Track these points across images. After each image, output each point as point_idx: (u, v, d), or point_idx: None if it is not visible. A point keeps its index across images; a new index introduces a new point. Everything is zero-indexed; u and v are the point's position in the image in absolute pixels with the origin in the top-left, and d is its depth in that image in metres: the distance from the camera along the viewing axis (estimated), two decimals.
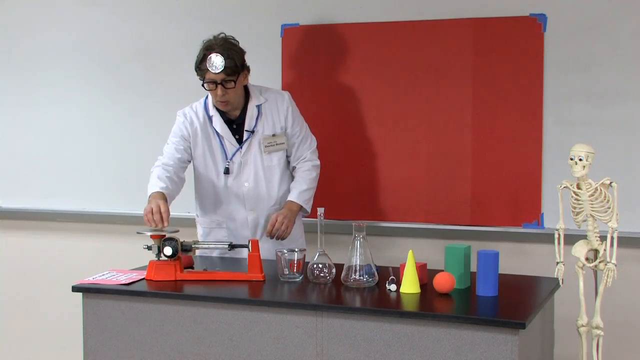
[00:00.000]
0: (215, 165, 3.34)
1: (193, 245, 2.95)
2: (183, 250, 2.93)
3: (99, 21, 4.15)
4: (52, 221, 4.34)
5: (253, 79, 3.86)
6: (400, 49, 3.66)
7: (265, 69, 3.85)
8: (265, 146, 3.32)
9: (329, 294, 2.76)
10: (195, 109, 3.37)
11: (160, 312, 2.78)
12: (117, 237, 4.19)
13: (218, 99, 3.20)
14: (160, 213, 2.99)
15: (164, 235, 2.91)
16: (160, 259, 2.93)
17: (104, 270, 3.12)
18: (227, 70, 3.14)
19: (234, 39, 3.25)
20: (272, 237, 3.21)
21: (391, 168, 3.66)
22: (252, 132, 3.31)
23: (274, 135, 3.33)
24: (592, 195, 2.59)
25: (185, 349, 2.75)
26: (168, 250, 2.90)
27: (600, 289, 2.64)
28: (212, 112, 3.33)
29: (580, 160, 2.56)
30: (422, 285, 2.72)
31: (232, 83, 3.18)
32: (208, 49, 3.16)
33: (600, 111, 3.40)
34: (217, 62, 3.12)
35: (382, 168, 3.62)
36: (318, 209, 3.05)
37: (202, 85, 3.24)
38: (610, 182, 2.58)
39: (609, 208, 2.59)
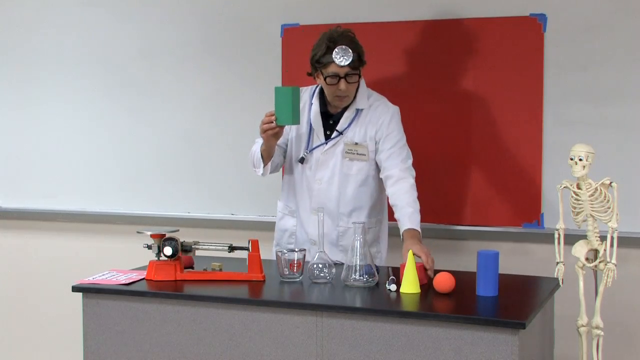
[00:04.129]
0: (297, 151, 3.28)
1: (193, 246, 2.95)
2: (183, 251, 2.93)
3: (99, 21, 4.15)
4: (52, 221, 4.34)
5: (253, 79, 3.88)
6: (400, 49, 3.66)
7: (265, 69, 3.86)
8: (346, 152, 3.21)
9: (329, 294, 2.76)
10: (303, 91, 3.31)
11: (160, 312, 2.78)
12: (117, 237, 4.19)
13: (340, 93, 3.13)
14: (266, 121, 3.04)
15: (164, 235, 2.91)
16: (160, 259, 2.93)
17: (104, 270, 3.12)
18: (353, 63, 3.07)
19: (351, 31, 3.16)
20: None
21: None
22: (341, 133, 3.22)
23: (356, 143, 3.21)
24: (592, 195, 2.59)
25: (185, 349, 2.75)
26: (168, 250, 2.90)
27: (600, 289, 2.64)
28: (314, 100, 3.27)
29: (580, 160, 2.56)
30: (422, 285, 2.71)
31: (356, 77, 3.12)
32: (332, 41, 3.07)
33: (600, 111, 3.40)
34: (345, 56, 3.04)
35: None
36: (317, 208, 3.05)
37: (312, 74, 3.18)
38: (610, 182, 2.58)
39: (609, 208, 2.59)
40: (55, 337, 4.35)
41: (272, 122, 3.01)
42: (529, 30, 3.45)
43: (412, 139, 3.57)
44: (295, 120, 3.02)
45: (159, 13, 4.05)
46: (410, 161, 3.21)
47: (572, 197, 2.64)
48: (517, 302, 2.66)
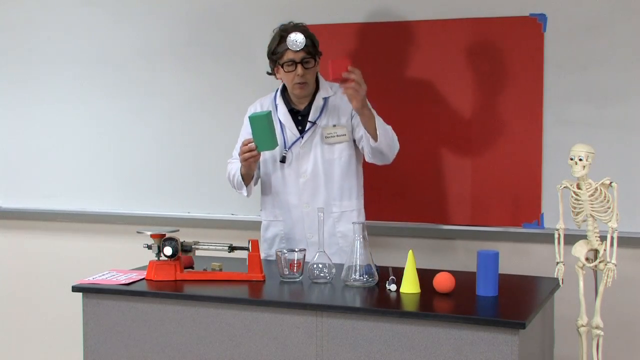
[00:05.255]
0: (272, 155, 3.31)
1: (193, 246, 2.95)
2: (183, 251, 2.93)
3: (99, 21, 4.15)
4: (52, 221, 4.34)
5: (252, 79, 3.88)
6: (400, 49, 3.66)
7: (265, 69, 3.84)
8: (326, 137, 3.26)
9: (329, 294, 2.76)
10: (262, 101, 3.39)
11: (160, 312, 2.78)
12: (117, 237, 4.19)
13: (298, 80, 3.19)
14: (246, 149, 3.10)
15: (164, 235, 2.91)
16: (160, 259, 2.93)
17: (104, 270, 3.12)
18: (307, 48, 3.15)
19: (303, 24, 3.27)
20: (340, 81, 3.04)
21: (391, 168, 3.65)
22: (314, 123, 3.27)
23: (334, 125, 3.27)
24: (592, 195, 2.59)
25: (185, 349, 2.75)
26: (168, 250, 2.90)
27: (600, 289, 2.64)
28: (279, 101, 3.32)
29: (580, 160, 2.56)
30: (423, 285, 2.71)
31: (312, 62, 3.19)
32: (284, 30, 3.19)
33: (600, 111, 3.40)
34: (298, 39, 3.13)
35: (381, 168, 3.62)
36: (317, 208, 3.05)
37: (272, 72, 3.27)
38: (610, 182, 2.58)
39: (609, 208, 2.59)
40: (55, 337, 4.34)
41: (252, 151, 3.10)
42: (529, 30, 3.45)
43: (412, 139, 3.59)
44: (275, 143, 3.12)
45: (158, 13, 4.05)
46: (389, 127, 3.22)
47: (572, 197, 2.64)
48: (517, 302, 2.66)
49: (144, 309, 2.80)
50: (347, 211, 3.30)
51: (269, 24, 3.82)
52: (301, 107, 3.31)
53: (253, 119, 3.08)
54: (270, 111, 3.13)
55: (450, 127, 3.60)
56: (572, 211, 2.65)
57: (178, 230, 2.98)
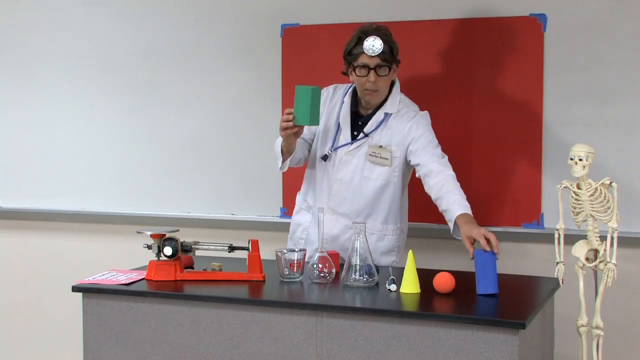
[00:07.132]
0: (322, 148, 3.24)
1: (193, 246, 2.95)
2: (183, 251, 2.93)
3: (100, 21, 4.15)
4: (52, 221, 4.34)
5: (253, 79, 3.88)
6: (400, 49, 3.65)
7: (265, 69, 3.85)
8: (370, 154, 3.15)
9: (329, 294, 2.76)
10: (337, 87, 3.28)
11: (160, 312, 2.78)
12: (117, 237, 4.19)
13: (369, 86, 3.08)
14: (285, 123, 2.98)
15: (164, 235, 2.91)
16: (160, 259, 2.93)
17: (104, 270, 3.12)
18: (384, 55, 3.04)
19: (386, 28, 3.13)
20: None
21: None
22: (367, 135, 3.17)
23: (381, 146, 3.15)
24: (592, 195, 2.59)
25: (185, 349, 2.75)
26: (168, 250, 2.90)
27: (600, 289, 2.64)
28: (346, 98, 3.24)
29: (580, 160, 2.56)
30: (423, 285, 2.71)
31: (387, 69, 3.07)
32: (363, 32, 3.06)
33: (600, 111, 3.40)
34: (375, 44, 3.01)
35: None
36: (318, 208, 3.05)
37: (346, 72, 3.16)
38: (610, 182, 2.58)
39: (609, 208, 2.59)
40: (55, 337, 4.35)
41: (290, 121, 2.97)
42: (529, 30, 3.45)
43: None
44: (313, 121, 2.97)
45: (159, 13, 4.05)
46: (447, 159, 3.13)
47: (572, 197, 2.64)
48: (517, 302, 2.66)
49: (144, 309, 2.80)
50: (367, 232, 3.04)
51: (272, 24, 3.84)
52: (366, 112, 3.22)
53: (298, 89, 2.93)
54: (319, 87, 2.99)
55: (450, 127, 3.60)
56: (572, 211, 2.65)
57: (178, 230, 2.98)
